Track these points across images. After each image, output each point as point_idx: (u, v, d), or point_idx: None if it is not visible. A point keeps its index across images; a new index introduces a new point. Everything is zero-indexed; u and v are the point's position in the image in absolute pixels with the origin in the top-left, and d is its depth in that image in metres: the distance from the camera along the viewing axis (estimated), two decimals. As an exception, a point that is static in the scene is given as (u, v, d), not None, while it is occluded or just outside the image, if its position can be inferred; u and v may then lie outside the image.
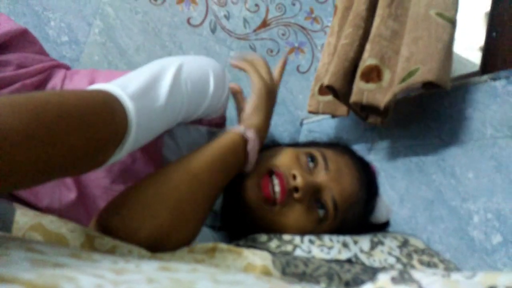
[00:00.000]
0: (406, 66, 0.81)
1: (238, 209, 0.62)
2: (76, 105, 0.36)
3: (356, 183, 0.65)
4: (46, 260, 0.20)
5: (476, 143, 0.80)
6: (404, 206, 0.91)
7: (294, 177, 0.60)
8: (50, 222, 0.40)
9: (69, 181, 0.56)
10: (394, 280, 0.32)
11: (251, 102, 0.65)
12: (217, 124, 0.67)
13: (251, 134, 0.59)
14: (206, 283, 0.22)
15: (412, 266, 0.57)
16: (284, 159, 0.64)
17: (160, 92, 0.49)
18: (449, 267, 0.63)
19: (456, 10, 0.79)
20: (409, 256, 0.63)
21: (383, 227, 0.76)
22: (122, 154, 0.44)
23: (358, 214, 0.67)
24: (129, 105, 0.43)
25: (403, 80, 0.80)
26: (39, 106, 0.32)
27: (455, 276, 0.31)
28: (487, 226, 0.73)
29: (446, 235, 0.81)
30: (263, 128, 0.64)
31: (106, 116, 0.39)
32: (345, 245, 0.60)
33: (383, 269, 0.55)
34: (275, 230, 0.61)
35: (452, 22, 0.78)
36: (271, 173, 0.61)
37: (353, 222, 0.66)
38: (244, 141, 0.59)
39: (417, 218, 0.88)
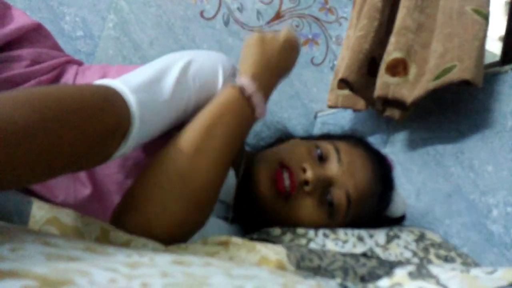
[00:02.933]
0: (440, 62, 0.79)
1: (251, 202, 0.62)
2: (77, 99, 0.36)
3: (370, 176, 0.63)
4: (61, 254, 0.20)
5: (496, 135, 0.78)
6: (421, 200, 0.89)
7: (304, 170, 0.60)
8: (66, 216, 0.41)
9: (83, 177, 0.57)
10: (411, 275, 0.31)
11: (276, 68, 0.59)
12: None
13: (246, 82, 0.53)
14: (220, 278, 0.22)
15: (429, 261, 0.56)
16: (295, 152, 0.63)
17: (165, 87, 0.49)
18: (467, 262, 0.62)
19: (489, 5, 0.77)
20: (425, 250, 0.62)
21: (399, 221, 0.75)
22: (127, 147, 0.44)
23: (373, 208, 0.65)
24: (131, 98, 0.43)
25: (438, 77, 0.78)
26: (40, 100, 0.33)
27: (474, 271, 0.30)
28: (506, 220, 0.71)
29: (464, 229, 0.80)
30: (260, 71, 0.55)
31: (107, 109, 0.39)
32: (360, 238, 0.59)
33: (399, 263, 0.54)
34: (288, 223, 0.60)
35: (487, 19, 0.76)
36: (282, 166, 0.61)
37: (368, 216, 0.65)
38: (241, 92, 0.53)
39: (434, 211, 0.86)
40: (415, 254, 0.59)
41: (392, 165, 0.74)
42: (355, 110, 1.11)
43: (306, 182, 0.59)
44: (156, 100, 0.47)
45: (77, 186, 0.56)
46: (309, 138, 0.74)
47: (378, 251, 0.58)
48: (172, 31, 1.23)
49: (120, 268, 0.20)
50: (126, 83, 0.44)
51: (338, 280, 0.30)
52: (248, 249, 0.43)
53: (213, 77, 0.56)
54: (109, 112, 0.40)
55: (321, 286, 0.27)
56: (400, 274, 0.32)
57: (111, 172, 0.57)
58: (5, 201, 0.39)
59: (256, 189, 0.60)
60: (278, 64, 0.59)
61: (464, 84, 0.77)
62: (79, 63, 0.67)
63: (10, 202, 0.40)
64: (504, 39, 0.93)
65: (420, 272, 0.31)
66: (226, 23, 1.31)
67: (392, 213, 0.72)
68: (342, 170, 0.61)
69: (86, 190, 0.56)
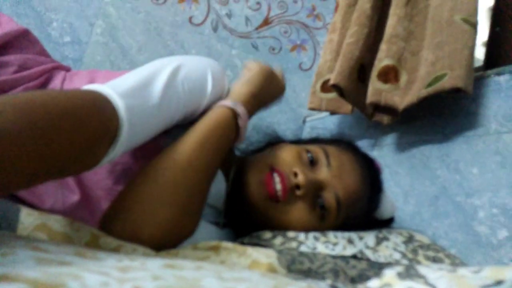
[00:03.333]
0: (431, 70, 0.81)
1: (242, 206, 0.62)
2: (64, 104, 0.36)
3: (359, 180, 0.64)
4: (52, 259, 0.20)
5: (480, 138, 0.80)
6: (409, 202, 0.90)
7: (296, 174, 0.60)
8: (55, 222, 0.41)
9: (72, 183, 0.56)
10: (400, 275, 0.32)
11: (242, 76, 0.65)
12: None
13: (239, 107, 0.58)
14: (211, 280, 0.22)
15: (418, 262, 0.57)
16: (285, 156, 0.63)
17: (154, 92, 0.49)
18: (455, 263, 0.63)
19: (477, 14, 0.80)
20: (414, 251, 0.63)
21: (388, 223, 0.76)
22: (116, 153, 0.43)
23: (362, 211, 0.66)
24: (119, 103, 0.43)
25: (429, 85, 0.80)
26: (27, 105, 0.32)
27: (462, 271, 0.31)
28: (492, 221, 0.73)
29: (451, 231, 0.81)
30: (251, 100, 0.62)
31: (95, 115, 0.39)
32: (350, 241, 0.60)
33: (388, 264, 0.55)
34: (279, 227, 0.61)
35: (475, 28, 0.79)
36: (272, 170, 0.61)
37: (357, 219, 0.66)
38: (233, 114, 0.58)
39: (422, 214, 0.88)
40: (404, 255, 0.59)
41: (380, 168, 0.76)
42: (336, 114, 1.12)
43: (297, 186, 0.60)
44: (144, 105, 0.47)
45: (65, 192, 0.55)
46: (298, 142, 0.74)
47: (368, 253, 0.58)
48: (160, 36, 1.23)
49: (111, 272, 0.20)
50: (115, 88, 0.44)
51: (329, 281, 0.30)
52: (239, 253, 0.43)
53: (202, 82, 0.57)
54: (97, 117, 0.39)
55: (311, 287, 0.27)
56: (389, 274, 0.32)
57: (100, 178, 0.56)
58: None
59: (246, 194, 0.61)
60: (268, 101, 0.69)
61: (454, 91, 0.79)
62: (67, 69, 0.67)
63: (-3, 209, 0.39)
64: (487, 45, 0.95)
65: (409, 272, 0.32)
66: (215, 29, 1.32)
67: (381, 215, 0.73)
68: (332, 174, 0.62)
69: (74, 197, 0.55)
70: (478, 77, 0.84)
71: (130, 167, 0.58)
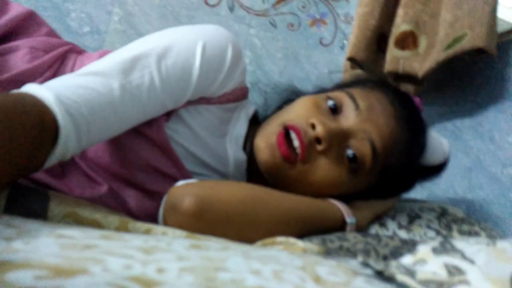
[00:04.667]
0: (450, 31, 0.76)
1: (262, 177, 0.58)
2: None
3: (394, 120, 0.55)
4: (75, 244, 0.20)
5: (516, 105, 0.75)
6: (441, 176, 0.87)
7: (313, 126, 0.53)
8: (84, 209, 0.41)
9: (98, 177, 0.56)
10: (435, 250, 0.30)
11: (379, 204, 0.60)
12: (233, 99, 0.61)
13: (351, 228, 0.54)
14: (237, 260, 0.22)
15: (452, 237, 0.55)
16: (299, 109, 0.56)
17: (113, 86, 0.47)
18: (492, 235, 0.60)
19: None
20: (448, 226, 0.61)
21: (439, 170, 0.66)
22: (64, 152, 0.41)
23: (404, 158, 0.56)
24: (55, 106, 0.40)
25: (449, 46, 0.75)
26: None
27: (501, 244, 0.29)
28: (531, 191, 0.69)
29: (486, 203, 0.78)
30: (362, 225, 0.57)
31: (25, 120, 0.37)
32: (381, 224, 0.58)
33: (423, 241, 0.53)
34: (306, 190, 0.55)
35: None
36: (285, 128, 0.54)
37: (399, 169, 0.57)
38: (341, 221, 0.54)
39: (455, 187, 0.85)
40: (438, 232, 0.57)
41: (420, 104, 0.65)
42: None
43: (318, 140, 0.53)
44: (98, 99, 0.45)
45: (92, 184, 0.56)
46: (320, 92, 0.64)
47: (402, 234, 0.57)
48: (177, 20, 1.21)
49: (135, 254, 0.20)
50: (53, 88, 0.42)
51: (360, 258, 0.29)
52: (269, 244, 0.42)
53: (187, 64, 0.52)
54: (29, 122, 0.37)
55: (342, 266, 0.26)
56: (423, 250, 0.31)
57: (116, 167, 0.56)
58: (22, 198, 0.40)
59: (260, 162, 0.55)
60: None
61: (478, 53, 0.75)
62: (79, 51, 0.66)
63: (28, 199, 0.40)
64: (520, 4, 0.89)
65: (444, 247, 0.30)
66: (231, 9, 1.29)
67: (429, 161, 0.63)
68: (361, 118, 0.54)
69: (102, 188, 0.56)
70: (509, 40, 0.78)
71: (147, 161, 0.57)
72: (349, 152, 0.54)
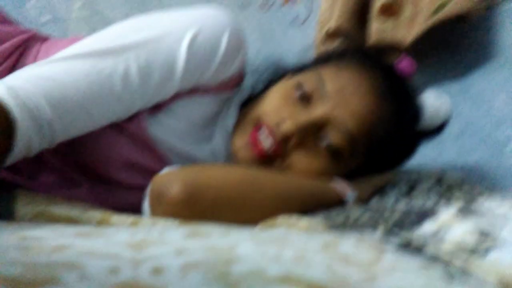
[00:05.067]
0: None
1: None
2: None
3: (371, 97, 0.52)
4: (42, 246, 0.16)
5: (504, 65, 0.75)
6: (431, 142, 0.86)
7: (284, 121, 0.51)
8: (59, 207, 0.37)
9: (77, 177, 0.52)
10: (460, 213, 0.27)
11: (377, 179, 0.57)
12: (231, 86, 0.58)
13: (351, 197, 0.52)
14: (247, 246, 0.18)
15: (473, 200, 0.53)
16: (271, 102, 0.54)
17: (79, 85, 0.44)
18: (492, 196, 0.59)
19: None
20: (449, 191, 0.59)
21: (440, 129, 0.63)
22: (23, 147, 0.39)
23: (395, 130, 0.54)
24: (8, 101, 0.38)
25: (434, 13, 0.73)
26: None
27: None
28: (526, 149, 0.69)
29: (479, 166, 0.77)
30: (362, 199, 0.54)
31: None
32: (382, 195, 0.56)
33: (425, 213, 0.50)
34: None
35: None
36: (258, 125, 0.53)
37: (389, 142, 0.55)
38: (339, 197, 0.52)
39: (446, 152, 0.83)
40: (440, 196, 0.55)
41: (412, 65, 0.61)
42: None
43: (289, 136, 0.51)
44: (60, 91, 0.42)
45: (68, 184, 0.52)
46: (300, 69, 0.60)
47: (403, 203, 0.54)
48: (144, 5, 1.14)
49: (122, 253, 0.16)
50: (8, 81, 0.40)
51: (381, 229, 0.26)
52: (269, 225, 0.39)
53: (171, 57, 0.48)
54: None
55: (364, 241, 0.23)
56: (445, 214, 0.28)
57: (94, 166, 0.52)
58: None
59: (238, 161, 0.53)
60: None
61: (461, 18, 0.73)
62: (43, 39, 0.59)
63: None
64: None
65: (470, 209, 0.28)
66: (202, -13, 1.23)
67: (429, 123, 0.60)
68: (332, 103, 0.51)
69: (81, 188, 0.52)
70: (495, 3, 0.77)
71: (128, 156, 0.53)
72: (325, 142, 0.52)
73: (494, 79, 0.75)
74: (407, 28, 0.81)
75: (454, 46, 0.84)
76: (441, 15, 0.73)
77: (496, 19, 0.76)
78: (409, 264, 0.19)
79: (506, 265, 0.22)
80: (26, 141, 0.39)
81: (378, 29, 0.82)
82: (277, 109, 0.52)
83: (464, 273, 0.20)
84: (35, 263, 0.13)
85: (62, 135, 0.43)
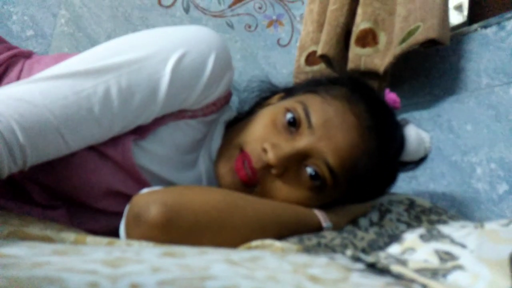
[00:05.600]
0: (404, 25, 0.78)
1: None
2: None
3: (355, 132, 0.52)
4: (21, 263, 0.16)
5: (472, 94, 0.78)
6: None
7: (266, 151, 0.51)
8: (32, 227, 0.36)
9: (52, 201, 0.51)
10: (423, 237, 0.29)
11: (355, 207, 0.57)
12: (217, 109, 0.57)
13: (328, 227, 0.52)
14: (221, 266, 0.19)
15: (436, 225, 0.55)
16: (255, 130, 0.53)
17: (54, 107, 0.43)
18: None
19: None
20: (417, 218, 0.61)
21: (421, 161, 0.65)
22: (1, 172, 0.38)
23: (373, 166, 0.54)
24: None
25: (404, 40, 0.77)
26: None
27: (489, 225, 0.28)
28: (491, 176, 0.72)
29: (449, 191, 0.80)
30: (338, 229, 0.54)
31: None
32: (354, 223, 0.57)
33: (395, 236, 0.52)
34: None
35: None
36: (242, 151, 0.53)
37: (370, 176, 0.55)
38: (318, 226, 0.51)
39: (417, 177, 0.86)
40: (408, 225, 0.57)
41: (396, 100, 0.62)
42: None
43: (270, 166, 0.51)
44: (32, 113, 0.41)
45: (44, 210, 0.50)
46: (292, 90, 0.60)
47: (374, 230, 0.56)
48: (129, 22, 1.16)
49: (99, 269, 0.16)
50: None
51: (349, 252, 0.27)
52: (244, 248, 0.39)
53: (153, 81, 0.47)
54: None
55: (332, 264, 0.24)
56: (410, 238, 0.30)
57: (73, 193, 0.51)
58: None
59: (221, 185, 0.53)
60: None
61: (432, 44, 0.77)
62: (27, 55, 0.59)
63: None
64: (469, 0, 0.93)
65: (431, 234, 0.29)
66: (187, 10, 1.26)
67: (410, 157, 0.61)
68: (316, 136, 0.51)
69: (58, 211, 0.51)
70: (463, 33, 0.81)
71: (110, 183, 0.52)
72: (310, 170, 0.51)
73: (461, 108, 0.79)
74: (382, 56, 0.85)
75: (427, 74, 0.88)
76: (410, 42, 0.77)
77: (470, 46, 0.79)
78: (374, 282, 0.20)
79: (464, 287, 0.24)
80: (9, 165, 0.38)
81: (355, 56, 0.85)
82: (262, 136, 0.52)
83: (424, 292, 0.21)
84: (18, 277, 0.14)
85: (35, 159, 0.42)
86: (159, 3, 1.19)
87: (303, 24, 1.13)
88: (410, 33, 0.77)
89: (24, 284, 0.13)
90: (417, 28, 0.76)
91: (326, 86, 0.57)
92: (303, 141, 0.51)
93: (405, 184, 0.88)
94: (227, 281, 0.16)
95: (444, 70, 0.84)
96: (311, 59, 1.03)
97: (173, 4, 1.21)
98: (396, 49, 0.80)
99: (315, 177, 0.51)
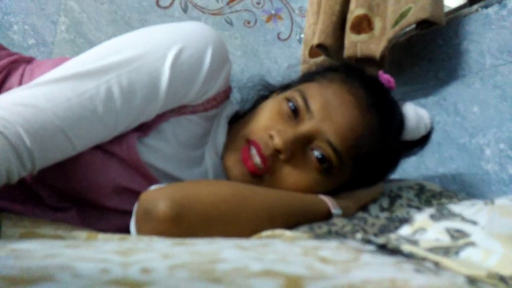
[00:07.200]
0: (396, 8, 0.77)
1: None
2: None
3: (355, 111, 0.53)
4: (34, 255, 0.16)
5: (477, 75, 0.77)
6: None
7: (272, 137, 0.52)
8: (44, 228, 0.37)
9: (61, 203, 0.52)
10: (433, 217, 0.29)
11: (364, 193, 0.58)
12: (217, 103, 0.58)
13: (337, 212, 0.53)
14: (231, 251, 0.19)
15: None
16: (261, 119, 0.55)
17: (57, 109, 0.43)
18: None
19: None
20: (428, 202, 0.60)
21: (422, 142, 0.65)
22: (11, 177, 0.39)
23: (377, 144, 0.55)
24: None
25: (396, 23, 0.77)
26: None
27: (500, 201, 0.28)
28: (500, 156, 0.71)
29: (459, 174, 0.79)
30: (348, 216, 0.55)
31: None
32: (364, 210, 0.57)
33: (406, 219, 0.52)
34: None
35: None
36: (248, 142, 0.54)
37: (374, 155, 0.55)
38: (327, 213, 0.52)
39: (425, 162, 0.86)
40: (419, 209, 0.57)
41: (391, 81, 0.63)
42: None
43: (278, 151, 0.52)
44: (38, 117, 0.41)
45: (55, 212, 0.51)
46: (289, 85, 0.62)
47: (385, 215, 0.55)
48: (129, 25, 1.16)
49: (111, 258, 0.16)
50: None
51: (359, 236, 0.27)
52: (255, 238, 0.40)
53: (152, 82, 0.48)
54: None
55: (343, 246, 0.24)
56: (421, 219, 0.29)
57: (82, 193, 0.52)
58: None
59: (230, 178, 0.54)
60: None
61: (428, 25, 0.76)
62: (28, 60, 0.59)
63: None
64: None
65: (442, 213, 0.29)
66: (185, 10, 1.26)
67: (411, 136, 0.62)
68: (317, 119, 0.52)
69: (68, 213, 0.51)
70: (465, 14, 0.80)
71: (118, 181, 0.52)
72: (316, 153, 0.52)
73: (467, 90, 0.78)
74: (378, 41, 0.84)
75: (431, 58, 0.87)
76: (402, 24, 0.76)
77: (472, 27, 0.78)
78: (384, 261, 0.20)
79: (476, 264, 0.24)
80: (6, 169, 0.38)
81: (351, 43, 0.84)
82: (268, 125, 0.53)
83: (437, 267, 0.21)
84: (30, 267, 0.14)
85: (43, 162, 0.43)
86: (157, 4, 1.19)
87: (306, 17, 1.13)
88: (402, 15, 0.77)
89: (36, 271, 0.13)
90: (409, 9, 0.75)
91: (320, 75, 0.59)
92: (305, 126, 0.52)
93: (413, 170, 0.88)
94: (237, 263, 0.16)
95: (447, 53, 0.83)
96: (314, 51, 1.03)
97: (171, 4, 1.21)
98: (388, 33, 0.79)
99: (322, 160, 0.52)
